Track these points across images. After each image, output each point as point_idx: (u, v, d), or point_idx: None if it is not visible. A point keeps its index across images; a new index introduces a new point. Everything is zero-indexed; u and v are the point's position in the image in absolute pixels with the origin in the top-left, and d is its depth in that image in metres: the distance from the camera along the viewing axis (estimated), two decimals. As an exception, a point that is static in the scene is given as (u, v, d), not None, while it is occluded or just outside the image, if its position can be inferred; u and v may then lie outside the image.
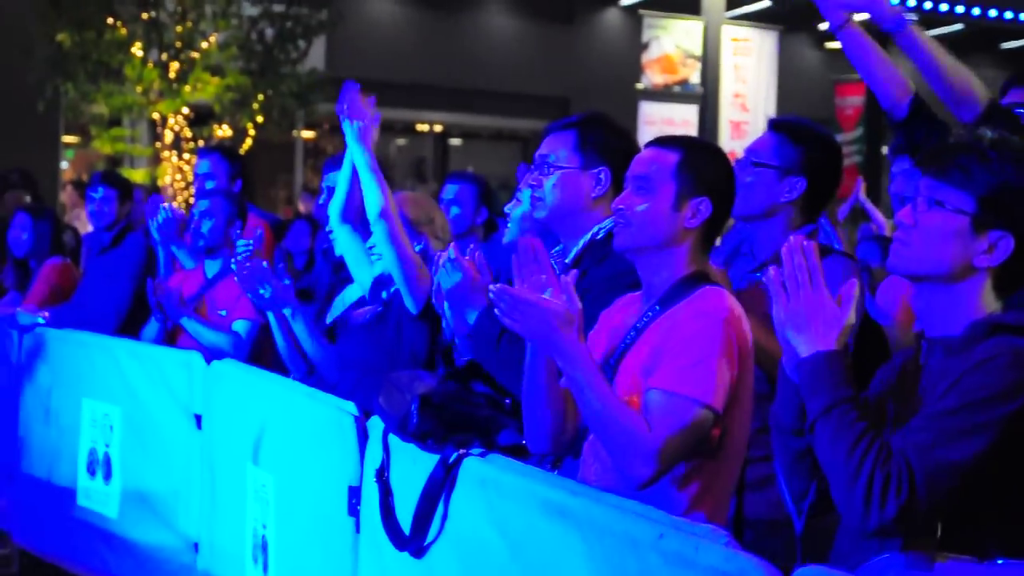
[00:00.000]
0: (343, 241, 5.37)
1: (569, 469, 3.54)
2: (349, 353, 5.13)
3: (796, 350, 2.82)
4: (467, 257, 3.94)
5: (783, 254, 2.85)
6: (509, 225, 4.28)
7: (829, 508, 2.85)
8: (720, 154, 3.51)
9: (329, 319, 5.83)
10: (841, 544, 2.95)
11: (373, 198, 4.85)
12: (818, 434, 2.75)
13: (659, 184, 3.37)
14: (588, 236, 3.91)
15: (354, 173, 5.14)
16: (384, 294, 5.08)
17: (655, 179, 3.38)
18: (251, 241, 5.87)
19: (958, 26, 23.43)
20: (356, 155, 4.98)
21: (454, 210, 6.79)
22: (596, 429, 3.18)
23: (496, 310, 3.18)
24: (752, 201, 4.24)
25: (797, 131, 4.30)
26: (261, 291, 5.52)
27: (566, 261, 3.92)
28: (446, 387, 3.83)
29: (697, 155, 3.42)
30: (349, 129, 4.99)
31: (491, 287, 3.17)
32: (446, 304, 3.98)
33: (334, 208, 5.37)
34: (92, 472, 6.43)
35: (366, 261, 5.22)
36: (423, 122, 24.47)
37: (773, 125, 4.39)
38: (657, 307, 3.34)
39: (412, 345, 4.82)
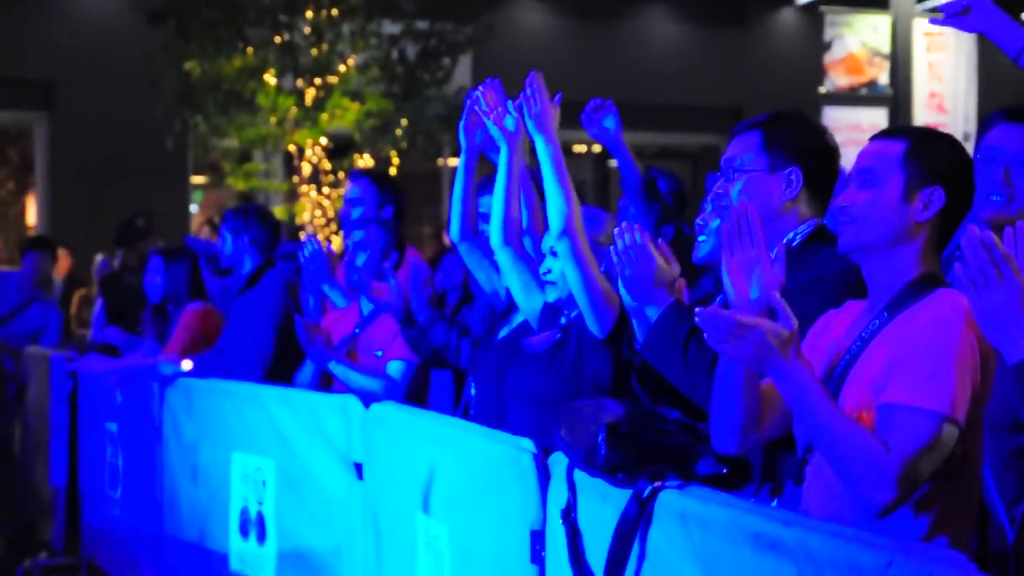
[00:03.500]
0: (506, 266, 5.34)
1: (790, 497, 3.52)
2: (520, 385, 5.08)
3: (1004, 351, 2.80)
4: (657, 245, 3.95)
5: (964, 249, 2.84)
6: (701, 239, 4.27)
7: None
8: (953, 142, 3.47)
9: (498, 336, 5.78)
10: None
11: (558, 209, 4.73)
12: None
13: (885, 175, 3.36)
14: (783, 243, 3.88)
15: (508, 189, 5.15)
16: (563, 319, 5.07)
17: (880, 171, 3.37)
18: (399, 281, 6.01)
19: None
20: (541, 154, 4.82)
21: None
22: (826, 453, 3.16)
23: (705, 335, 3.18)
24: (1014, 205, 4.15)
25: None
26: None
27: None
28: (635, 414, 3.83)
29: (926, 143, 3.40)
30: (528, 117, 4.85)
31: (698, 309, 3.17)
32: (625, 296, 3.98)
33: (494, 229, 5.32)
34: (245, 533, 6.50)
35: (534, 286, 5.21)
36: (580, 142, 24.51)
37: (1010, 115, 4.26)
38: (885, 313, 3.32)
39: (596, 373, 4.79)
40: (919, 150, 3.36)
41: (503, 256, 5.32)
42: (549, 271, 4.94)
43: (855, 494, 3.11)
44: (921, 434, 3.07)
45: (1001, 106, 4.40)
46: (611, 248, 4.09)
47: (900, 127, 3.49)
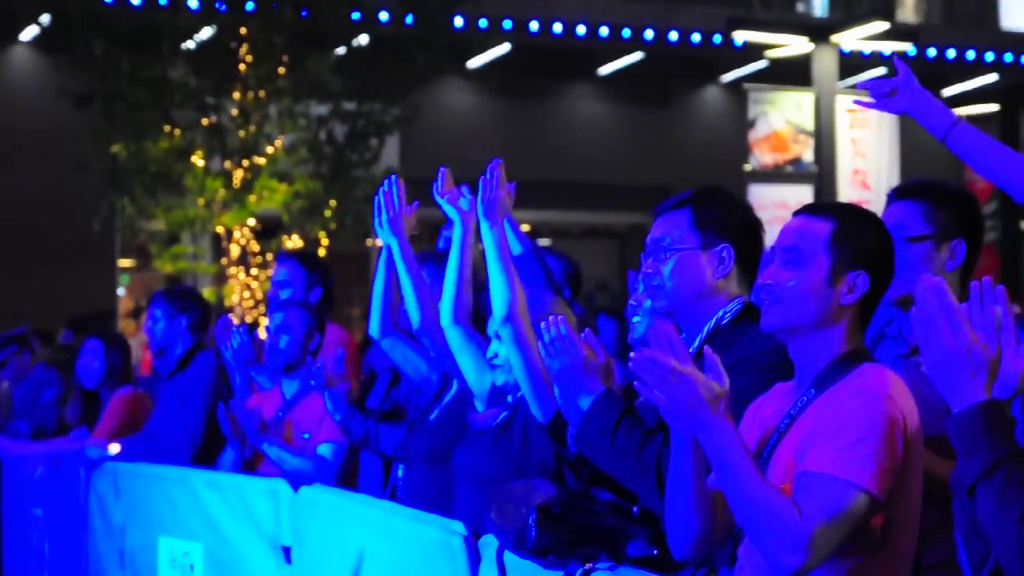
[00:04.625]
0: (456, 344, 5.26)
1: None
2: (466, 463, 4.99)
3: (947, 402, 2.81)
4: (581, 336, 3.93)
5: (917, 296, 2.84)
6: (636, 320, 4.27)
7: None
8: (877, 222, 3.46)
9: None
10: None
11: (501, 295, 4.71)
12: (980, 498, 2.71)
13: (810, 256, 3.35)
14: (712, 322, 3.90)
15: (461, 269, 5.13)
16: (509, 397, 4.97)
17: (806, 251, 3.35)
18: (323, 364, 5.98)
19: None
20: (487, 238, 4.81)
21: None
22: (742, 516, 3.14)
23: (636, 380, 3.15)
24: (911, 279, 4.17)
25: (935, 192, 4.22)
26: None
27: (689, 351, 3.90)
28: (566, 495, 3.82)
29: (852, 224, 3.39)
30: (480, 205, 4.85)
31: (633, 354, 3.14)
32: (556, 389, 3.95)
33: (444, 308, 5.26)
34: (174, 617, 6.46)
35: (484, 365, 5.17)
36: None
37: (903, 192, 4.30)
38: (812, 390, 3.31)
39: (541, 456, 4.72)
40: (845, 232, 3.36)
41: (453, 335, 5.24)
42: (496, 355, 4.91)
43: (767, 557, 3.09)
44: (834, 502, 3.06)
45: (897, 185, 4.45)
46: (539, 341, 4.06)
47: (826, 204, 3.50)
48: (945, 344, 2.80)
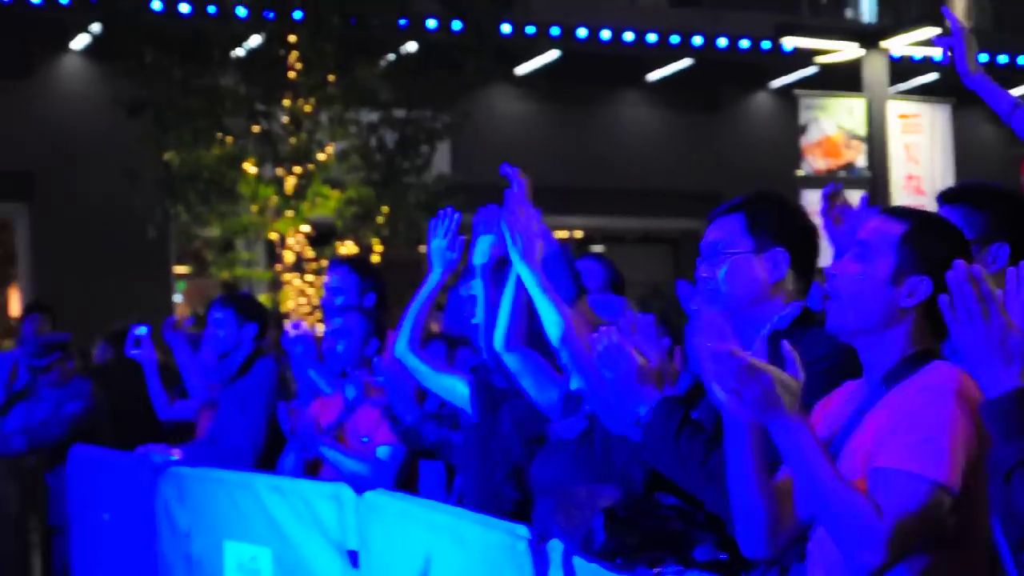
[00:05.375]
0: (516, 368, 5.22)
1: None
2: (547, 476, 4.92)
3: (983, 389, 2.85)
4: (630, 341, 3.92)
5: (949, 283, 2.89)
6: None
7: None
8: (951, 232, 3.47)
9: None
10: None
11: (552, 323, 4.70)
12: (1017, 483, 2.75)
13: (878, 254, 3.37)
14: (769, 326, 3.92)
15: (519, 298, 5.08)
16: (586, 406, 4.85)
17: (875, 248, 3.38)
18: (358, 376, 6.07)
19: None
20: (525, 277, 4.83)
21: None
22: (821, 514, 3.17)
23: (713, 377, 3.17)
24: None
25: (975, 195, 4.27)
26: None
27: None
28: (631, 499, 3.84)
29: (926, 229, 3.41)
30: (512, 247, 4.85)
31: (708, 346, 3.12)
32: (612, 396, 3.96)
33: (497, 338, 5.23)
34: (241, 621, 6.50)
35: (546, 380, 5.15)
36: (562, 228, 24.59)
37: (946, 197, 4.34)
38: (882, 387, 3.33)
39: (624, 464, 4.64)
40: (915, 236, 3.38)
41: (511, 359, 5.20)
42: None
43: (846, 555, 3.11)
44: (912, 498, 3.07)
45: (941, 191, 4.48)
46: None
47: (906, 208, 3.51)
48: (980, 330, 2.84)
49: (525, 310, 5.13)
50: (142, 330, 8.74)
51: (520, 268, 4.86)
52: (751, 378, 3.12)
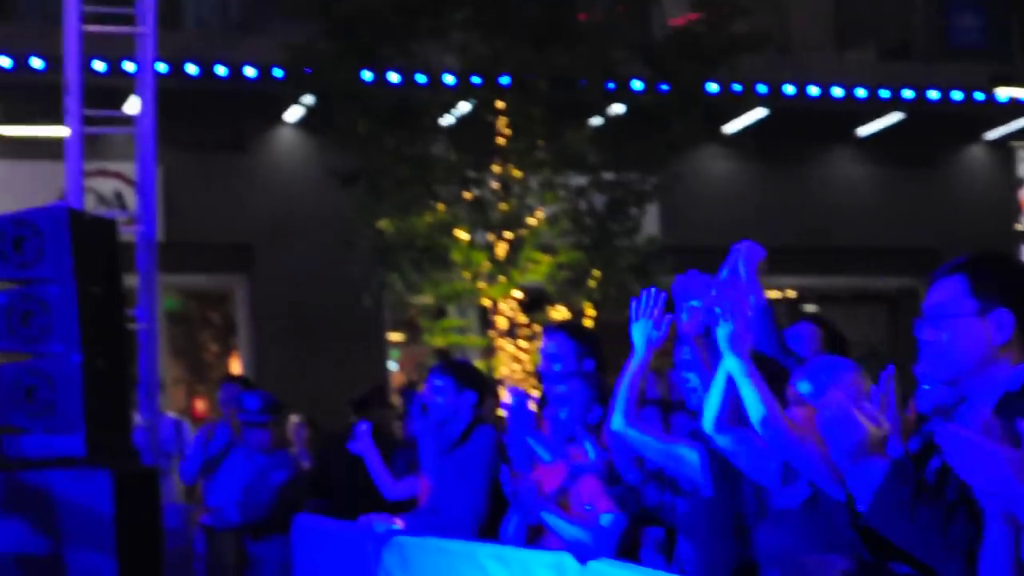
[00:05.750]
0: (730, 449, 5.25)
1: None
2: (773, 544, 4.92)
3: None
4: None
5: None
6: (925, 387, 4.23)
7: None
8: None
9: None
10: None
11: (755, 413, 4.76)
12: None
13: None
14: (1002, 389, 3.82)
15: (732, 384, 5.05)
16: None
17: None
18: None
19: None
20: (731, 367, 4.89)
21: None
22: None
23: (944, 452, 3.15)
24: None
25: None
26: None
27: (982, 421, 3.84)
28: (862, 569, 3.79)
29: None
30: (722, 337, 4.90)
31: (938, 428, 3.12)
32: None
33: (707, 421, 5.26)
34: None
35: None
36: (774, 288, 24.36)
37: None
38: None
39: (851, 532, 4.63)
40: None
41: (723, 440, 5.23)
42: None
43: None
44: None
45: None
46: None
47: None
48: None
49: (736, 391, 5.11)
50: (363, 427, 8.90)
51: (728, 358, 4.91)
52: (985, 458, 3.11)
